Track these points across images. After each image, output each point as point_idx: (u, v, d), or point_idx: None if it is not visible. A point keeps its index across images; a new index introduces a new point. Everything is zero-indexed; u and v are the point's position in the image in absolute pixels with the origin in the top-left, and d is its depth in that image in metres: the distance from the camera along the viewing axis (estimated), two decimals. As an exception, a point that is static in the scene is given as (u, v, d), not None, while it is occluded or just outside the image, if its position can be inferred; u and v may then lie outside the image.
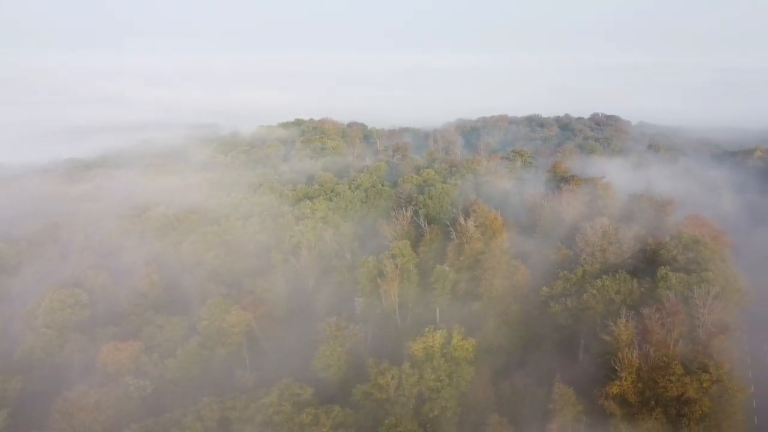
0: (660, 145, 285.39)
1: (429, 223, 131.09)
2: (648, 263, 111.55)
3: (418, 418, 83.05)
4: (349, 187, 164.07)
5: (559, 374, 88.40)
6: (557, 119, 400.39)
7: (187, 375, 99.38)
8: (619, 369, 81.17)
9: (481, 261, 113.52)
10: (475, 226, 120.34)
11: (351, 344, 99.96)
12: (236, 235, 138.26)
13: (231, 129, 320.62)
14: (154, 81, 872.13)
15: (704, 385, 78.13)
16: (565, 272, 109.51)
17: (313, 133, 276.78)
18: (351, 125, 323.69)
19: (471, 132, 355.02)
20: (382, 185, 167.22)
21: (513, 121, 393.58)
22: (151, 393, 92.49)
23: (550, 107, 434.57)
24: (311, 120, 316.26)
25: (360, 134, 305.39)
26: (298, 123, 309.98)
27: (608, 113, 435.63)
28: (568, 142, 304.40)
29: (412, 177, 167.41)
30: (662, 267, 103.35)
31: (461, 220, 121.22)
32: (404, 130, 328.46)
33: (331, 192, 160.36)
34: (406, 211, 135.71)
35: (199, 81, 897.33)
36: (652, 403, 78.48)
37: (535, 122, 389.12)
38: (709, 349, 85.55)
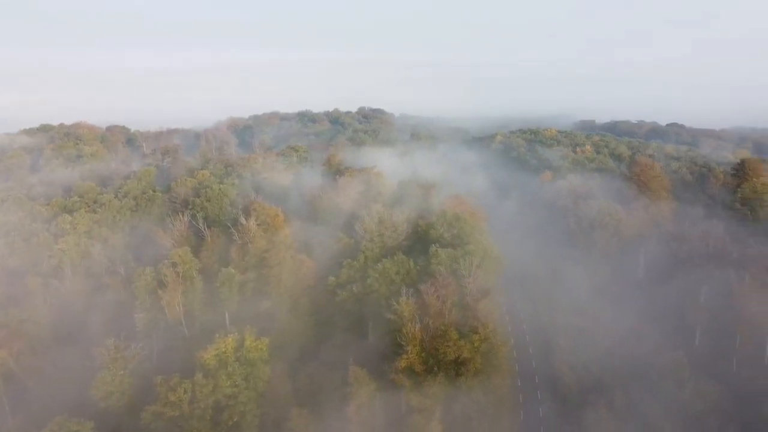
0: (421, 134, 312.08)
1: (209, 227, 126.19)
2: (420, 243, 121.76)
3: (216, 429, 80.00)
4: (116, 196, 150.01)
5: (351, 357, 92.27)
6: (327, 114, 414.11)
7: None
8: (405, 343, 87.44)
9: (267, 259, 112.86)
10: (257, 225, 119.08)
11: (134, 365, 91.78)
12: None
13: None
14: None
15: (475, 345, 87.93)
16: (349, 260, 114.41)
17: (66, 139, 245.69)
18: (111, 128, 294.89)
19: (244, 130, 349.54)
20: (154, 191, 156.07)
21: (285, 118, 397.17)
22: None
23: (320, 103, 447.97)
24: (62, 125, 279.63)
25: (122, 138, 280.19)
26: (45, 129, 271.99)
27: (373, 107, 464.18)
28: (339, 136, 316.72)
29: (185, 180, 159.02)
30: (433, 245, 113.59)
31: (242, 220, 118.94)
32: (173, 132, 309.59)
33: (95, 203, 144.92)
34: (183, 216, 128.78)
35: None
36: (435, 369, 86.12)
37: (306, 118, 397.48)
38: (476, 312, 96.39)
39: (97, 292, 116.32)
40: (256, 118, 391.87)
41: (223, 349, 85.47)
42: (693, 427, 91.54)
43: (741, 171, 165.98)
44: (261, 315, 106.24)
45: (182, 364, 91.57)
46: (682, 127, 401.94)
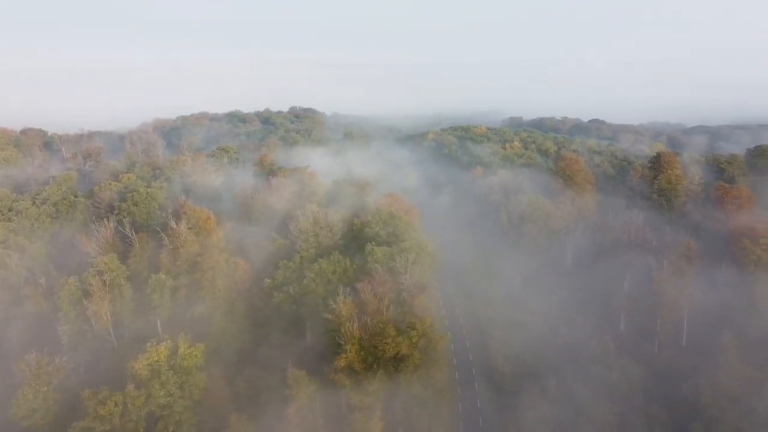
0: (354, 133, 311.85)
1: (137, 232, 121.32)
2: (356, 241, 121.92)
3: (151, 441, 77.30)
4: (34, 203, 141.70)
5: (290, 359, 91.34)
6: (258, 114, 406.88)
7: None
8: (343, 342, 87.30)
9: (199, 263, 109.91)
10: (189, 228, 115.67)
11: (60, 380, 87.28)
12: None
13: None
14: None
15: (413, 340, 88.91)
16: (285, 261, 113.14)
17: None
18: (25, 131, 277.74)
19: (171, 132, 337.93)
20: (75, 196, 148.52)
21: (214, 118, 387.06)
22: None
23: (250, 103, 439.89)
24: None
25: (39, 141, 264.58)
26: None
27: (305, 106, 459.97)
28: (271, 136, 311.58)
29: (110, 184, 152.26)
30: (369, 243, 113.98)
31: (173, 223, 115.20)
32: (95, 134, 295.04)
33: (9, 210, 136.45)
34: (109, 221, 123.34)
35: None
36: (375, 366, 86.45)
37: (236, 118, 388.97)
38: (413, 308, 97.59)
39: (15, 305, 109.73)
40: (183, 119, 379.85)
41: (156, 358, 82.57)
42: (620, 408, 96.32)
43: (657, 164, 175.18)
44: (195, 320, 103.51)
45: (112, 375, 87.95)
46: (602, 122, 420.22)
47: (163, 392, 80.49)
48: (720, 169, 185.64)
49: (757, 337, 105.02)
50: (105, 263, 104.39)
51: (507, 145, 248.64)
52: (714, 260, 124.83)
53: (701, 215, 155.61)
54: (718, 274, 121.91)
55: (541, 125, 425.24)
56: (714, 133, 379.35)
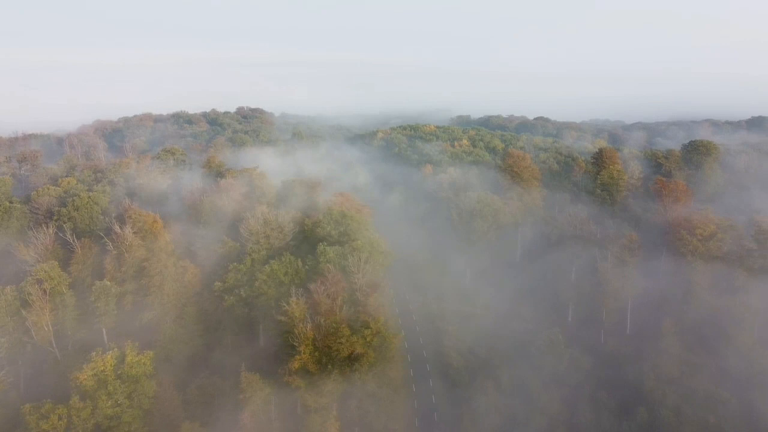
0: (303, 133, 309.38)
1: (79, 238, 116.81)
2: (308, 242, 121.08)
3: (99, 453, 74.74)
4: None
5: (243, 363, 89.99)
6: (205, 115, 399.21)
7: None
8: (297, 344, 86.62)
9: (147, 268, 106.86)
10: (134, 233, 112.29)
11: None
12: None
13: None
14: None
15: (368, 339, 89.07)
16: (235, 264, 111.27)
17: None
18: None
19: (114, 134, 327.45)
20: (11, 202, 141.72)
21: (159, 120, 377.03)
22: None
23: (196, 104, 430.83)
24: None
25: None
26: None
27: (252, 106, 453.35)
28: (218, 137, 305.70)
29: (49, 189, 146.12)
30: (320, 243, 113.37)
31: (117, 228, 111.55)
32: (30, 137, 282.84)
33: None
34: (48, 227, 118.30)
35: None
36: (330, 367, 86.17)
37: (182, 119, 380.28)
38: (367, 307, 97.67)
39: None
40: (126, 120, 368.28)
41: (102, 368, 79.74)
42: (571, 396, 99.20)
43: (599, 159, 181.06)
44: (144, 327, 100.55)
45: (55, 388, 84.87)
46: (547, 120, 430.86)
47: (110, 403, 77.92)
48: (658, 163, 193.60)
49: (694, 321, 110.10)
50: (45, 271, 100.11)
51: (456, 143, 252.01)
52: (654, 251, 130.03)
53: (641, 208, 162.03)
54: (658, 264, 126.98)
55: (489, 123, 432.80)
56: (652, 129, 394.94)
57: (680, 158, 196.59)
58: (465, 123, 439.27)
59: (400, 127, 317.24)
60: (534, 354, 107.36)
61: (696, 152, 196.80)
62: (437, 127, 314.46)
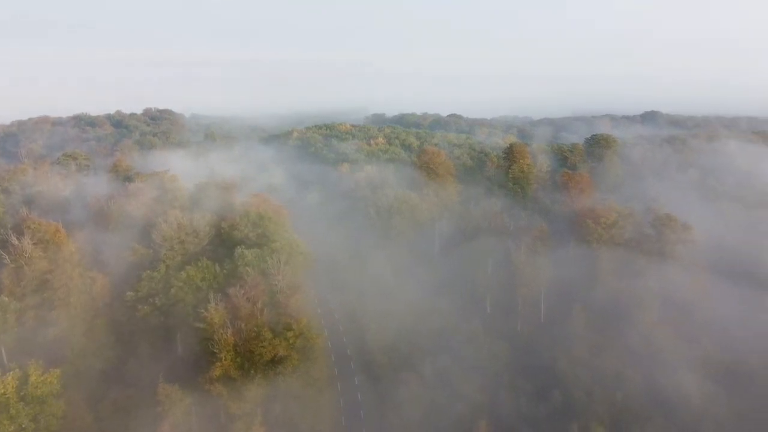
0: (215, 134, 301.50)
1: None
2: (225, 245, 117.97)
3: (3, 482, 69.67)
4: None
5: (161, 374, 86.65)
6: (109, 117, 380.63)
7: None
8: (217, 351, 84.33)
9: (50, 281, 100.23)
10: (34, 244, 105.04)
11: None
12: None
13: None
14: None
15: (290, 341, 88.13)
16: (148, 271, 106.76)
17: None
18: None
19: (6, 138, 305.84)
20: None
21: (58, 123, 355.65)
22: None
23: (99, 105, 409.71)
24: None
25: None
26: None
27: (161, 108, 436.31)
28: (125, 140, 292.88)
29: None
30: (238, 246, 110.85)
31: (14, 240, 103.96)
32: None
33: None
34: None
35: None
36: (252, 372, 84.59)
37: (84, 122, 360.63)
38: (288, 309, 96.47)
39: None
40: (20, 123, 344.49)
41: (2, 390, 74.23)
42: (491, 384, 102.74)
43: (510, 154, 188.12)
44: (49, 344, 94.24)
45: (-51, 416, 77.87)
46: (460, 117, 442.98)
47: (13, 427, 72.71)
48: (564, 157, 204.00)
49: (600, 305, 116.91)
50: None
51: (371, 141, 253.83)
52: (562, 240, 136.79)
53: (550, 200, 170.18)
54: (566, 252, 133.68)
55: (403, 121, 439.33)
56: (557, 124, 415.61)
57: (584, 152, 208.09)
58: (380, 121, 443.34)
59: (315, 126, 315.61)
60: (455, 346, 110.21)
61: (597, 145, 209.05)
62: (353, 125, 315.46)
